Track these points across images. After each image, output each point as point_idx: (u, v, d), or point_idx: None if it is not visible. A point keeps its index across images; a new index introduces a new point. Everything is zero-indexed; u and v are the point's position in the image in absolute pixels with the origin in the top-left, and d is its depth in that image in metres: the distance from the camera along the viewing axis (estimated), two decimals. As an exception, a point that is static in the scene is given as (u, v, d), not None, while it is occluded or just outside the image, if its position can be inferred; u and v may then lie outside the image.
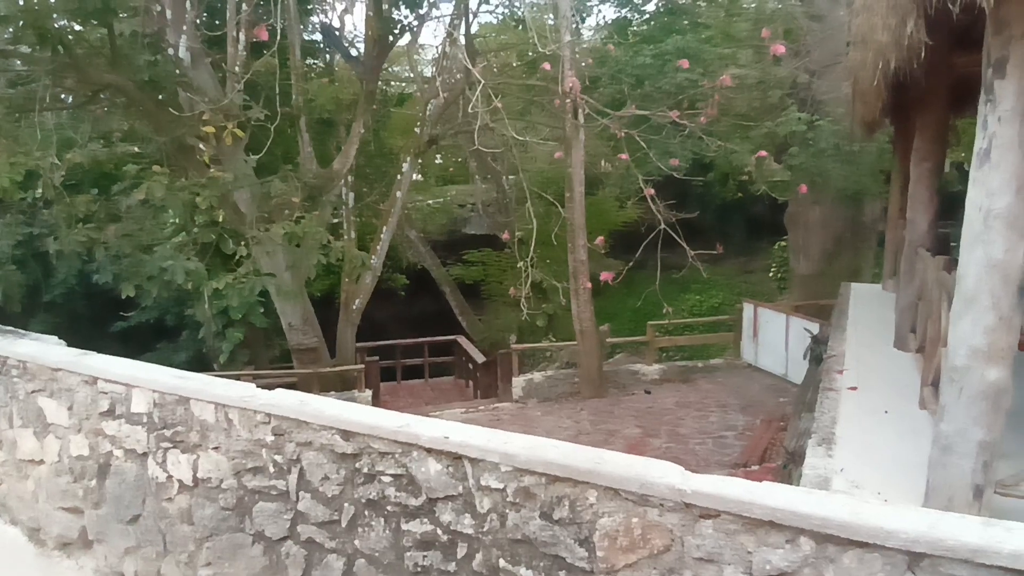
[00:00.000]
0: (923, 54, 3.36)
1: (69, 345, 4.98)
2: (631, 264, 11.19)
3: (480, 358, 14.05)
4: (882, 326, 7.40)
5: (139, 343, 14.28)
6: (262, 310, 8.87)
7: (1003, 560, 1.93)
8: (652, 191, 9.04)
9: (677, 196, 14.34)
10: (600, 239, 10.03)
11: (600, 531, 2.48)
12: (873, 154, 12.30)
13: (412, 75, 15.88)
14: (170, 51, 8.35)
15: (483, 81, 7.14)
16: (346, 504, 3.10)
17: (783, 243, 17.58)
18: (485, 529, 2.74)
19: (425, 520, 2.89)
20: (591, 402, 11.78)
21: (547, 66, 8.94)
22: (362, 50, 11.77)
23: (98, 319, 14.49)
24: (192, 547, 3.70)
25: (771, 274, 19.49)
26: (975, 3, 2.95)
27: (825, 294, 12.70)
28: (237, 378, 11.78)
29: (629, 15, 18.98)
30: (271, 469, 3.31)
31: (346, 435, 3.07)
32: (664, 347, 13.79)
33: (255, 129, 8.14)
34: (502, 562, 2.70)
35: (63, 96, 8.47)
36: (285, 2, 8.64)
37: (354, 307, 11.98)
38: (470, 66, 8.08)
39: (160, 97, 8.26)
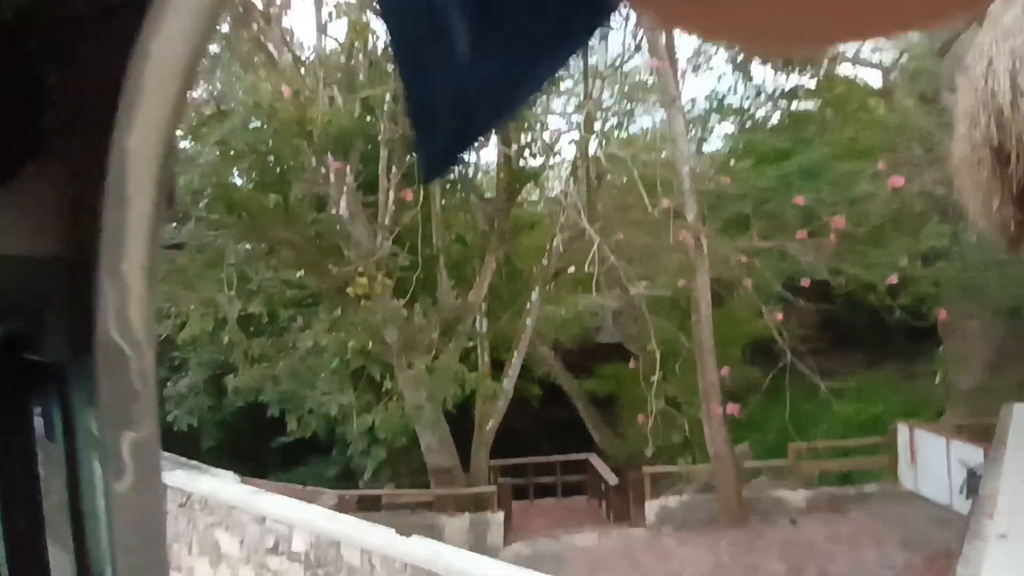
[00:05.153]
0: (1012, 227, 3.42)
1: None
2: (770, 377, 10.79)
3: (612, 478, 13.87)
4: (1050, 460, 6.73)
5: (295, 457, 15.53)
6: (404, 437, 9.60)
7: None
8: (781, 316, 8.97)
9: (827, 298, 13.83)
10: (726, 370, 9.98)
11: None
12: (1032, 262, 11.43)
13: (540, 199, 16.94)
14: (332, 210, 9.79)
15: (598, 238, 7.69)
16: (471, 654, 3.36)
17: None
18: None
19: None
20: (730, 532, 11.22)
21: (666, 203, 9.42)
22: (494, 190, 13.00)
23: (261, 434, 15.99)
24: None
25: (937, 380, 17.79)
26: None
27: (991, 411, 11.57)
28: (378, 497, 12.38)
29: (751, 134, 19.17)
30: (407, 614, 3.66)
31: (472, 588, 3.38)
32: (812, 472, 12.94)
33: (408, 270, 9.23)
34: None
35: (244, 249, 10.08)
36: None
37: (487, 428, 12.49)
38: (587, 225, 8.73)
39: (323, 247, 9.60)
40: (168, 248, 8.10)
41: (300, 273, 9.72)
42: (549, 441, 17.35)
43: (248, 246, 10.53)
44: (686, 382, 12.32)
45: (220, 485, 5.39)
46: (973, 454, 9.85)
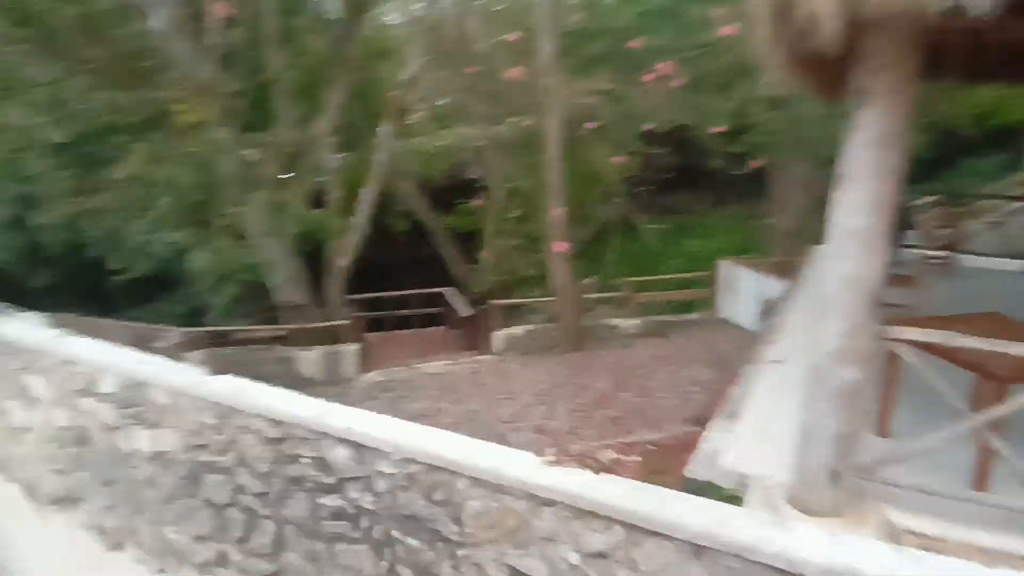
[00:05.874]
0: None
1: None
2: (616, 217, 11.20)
3: (465, 311, 14.54)
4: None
5: (141, 295, 14.75)
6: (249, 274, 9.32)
7: (766, 558, 2.39)
8: (623, 159, 9.29)
9: (678, 144, 14.38)
10: (558, 210, 10.37)
11: (468, 511, 2.98)
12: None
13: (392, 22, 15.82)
14: (148, 24, 8.59)
15: (430, 72, 7.37)
16: (275, 480, 3.62)
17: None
18: (382, 505, 3.25)
19: (336, 495, 3.40)
20: (569, 356, 12.29)
21: (510, 38, 9.05)
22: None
23: (99, 270, 14.92)
24: (157, 508, 4.27)
25: (771, 221, 19.57)
26: (826, 43, 3.20)
27: (803, 251, 12.98)
28: (227, 334, 12.19)
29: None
30: (214, 447, 3.83)
31: (273, 422, 3.56)
32: (645, 302, 14.17)
33: (239, 97, 8.42)
34: (395, 532, 3.23)
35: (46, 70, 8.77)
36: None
37: (341, 263, 12.46)
38: (416, 59, 8.27)
39: (138, 68, 8.53)
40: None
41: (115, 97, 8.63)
42: (418, 276, 17.67)
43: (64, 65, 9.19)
44: (540, 220, 12.74)
45: (25, 329, 5.14)
46: (776, 287, 11.16)
